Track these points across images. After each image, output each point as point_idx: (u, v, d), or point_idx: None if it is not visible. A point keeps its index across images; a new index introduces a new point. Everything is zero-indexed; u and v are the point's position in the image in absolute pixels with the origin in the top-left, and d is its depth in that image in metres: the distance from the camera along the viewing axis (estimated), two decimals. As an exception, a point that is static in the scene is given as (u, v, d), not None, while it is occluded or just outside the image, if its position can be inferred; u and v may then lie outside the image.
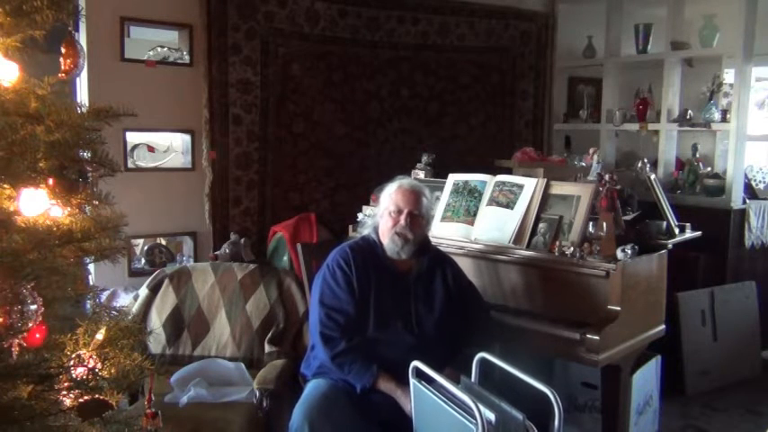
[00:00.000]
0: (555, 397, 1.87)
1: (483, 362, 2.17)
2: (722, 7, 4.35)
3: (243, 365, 2.78)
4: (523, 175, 2.94)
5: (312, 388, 2.28)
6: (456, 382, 2.05)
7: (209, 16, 3.42)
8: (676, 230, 2.98)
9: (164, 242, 3.57)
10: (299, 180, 3.80)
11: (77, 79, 3.10)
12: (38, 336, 1.44)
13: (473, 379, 2.17)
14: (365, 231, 2.53)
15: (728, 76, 4.42)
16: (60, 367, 1.51)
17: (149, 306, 2.97)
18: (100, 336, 1.60)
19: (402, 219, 2.33)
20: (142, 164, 3.48)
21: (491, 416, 1.78)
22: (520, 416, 1.80)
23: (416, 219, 2.36)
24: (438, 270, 2.45)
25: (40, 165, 1.56)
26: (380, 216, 2.41)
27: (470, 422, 1.75)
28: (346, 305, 2.29)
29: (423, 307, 2.36)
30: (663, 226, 2.95)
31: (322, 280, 2.37)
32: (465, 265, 2.74)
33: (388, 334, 2.29)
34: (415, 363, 2.02)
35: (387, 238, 2.36)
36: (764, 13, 4.15)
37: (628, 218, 2.93)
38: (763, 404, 3.62)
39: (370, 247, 2.41)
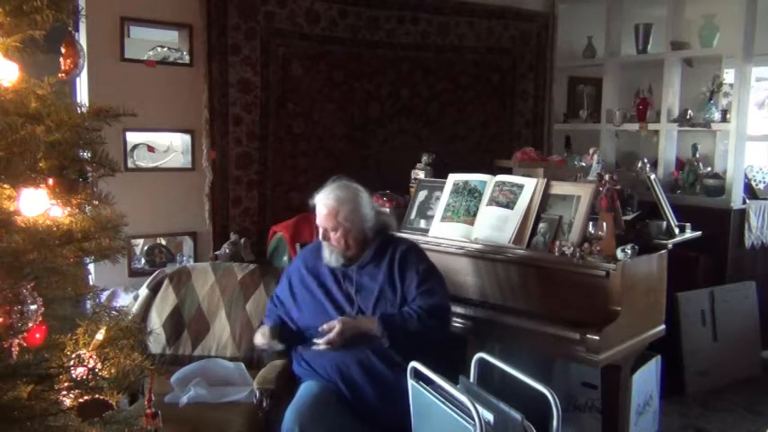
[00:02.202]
0: (554, 397, 1.87)
1: (482, 362, 2.18)
2: (722, 7, 4.35)
3: (243, 365, 2.77)
4: (523, 175, 2.94)
5: (303, 390, 2.31)
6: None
7: (209, 16, 3.42)
8: (676, 230, 2.98)
9: (164, 242, 3.57)
10: (299, 180, 3.80)
11: (77, 79, 3.09)
12: (38, 336, 1.44)
13: (472, 379, 2.17)
14: None
15: (728, 76, 4.42)
16: (60, 367, 1.51)
17: (149, 306, 2.96)
18: (100, 336, 1.60)
19: (331, 236, 2.43)
20: (142, 164, 3.48)
21: (489, 416, 1.78)
22: (518, 416, 1.80)
23: (340, 231, 2.41)
24: (386, 257, 2.45)
25: (40, 165, 1.56)
26: None
27: (469, 423, 1.75)
28: (275, 303, 2.61)
29: (363, 294, 2.40)
30: (663, 226, 2.94)
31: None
32: (465, 265, 2.75)
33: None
34: (414, 363, 2.02)
35: (326, 250, 2.47)
36: (764, 13, 4.15)
37: (628, 218, 2.93)
38: (763, 404, 3.62)
39: (317, 249, 2.53)
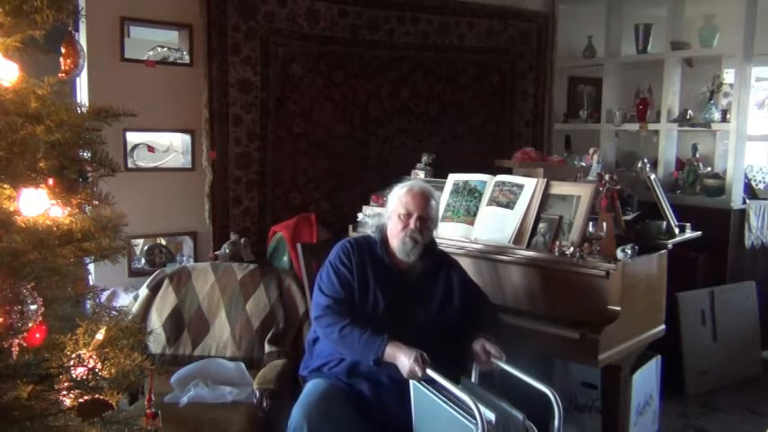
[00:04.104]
0: (555, 397, 1.88)
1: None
2: (722, 7, 4.35)
3: (243, 365, 2.78)
4: (523, 175, 2.94)
5: (310, 388, 2.28)
6: (499, 353, 2.15)
7: (209, 16, 3.42)
8: (676, 230, 2.98)
9: (164, 242, 3.57)
10: (299, 180, 3.80)
11: (77, 79, 3.09)
12: (38, 336, 1.44)
13: (473, 379, 2.17)
14: (369, 230, 2.53)
15: (728, 76, 4.42)
16: (60, 367, 1.51)
17: (149, 306, 2.97)
18: (100, 336, 1.60)
19: (412, 222, 2.34)
20: (142, 164, 3.48)
21: (491, 416, 1.78)
22: (520, 416, 1.81)
23: (425, 222, 2.36)
24: (442, 272, 2.44)
25: (40, 165, 1.56)
26: (388, 217, 2.41)
27: (470, 422, 1.76)
28: (348, 297, 2.31)
29: (419, 307, 2.36)
30: (663, 226, 2.94)
31: (325, 274, 2.38)
32: (465, 265, 2.74)
33: (386, 328, 2.27)
34: None
35: (397, 240, 2.36)
36: (764, 13, 4.15)
37: (628, 218, 2.94)
38: (763, 404, 3.62)
39: (370, 245, 2.42)
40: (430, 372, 1.99)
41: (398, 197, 2.39)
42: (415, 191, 2.38)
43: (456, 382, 1.98)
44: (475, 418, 1.73)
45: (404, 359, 2.06)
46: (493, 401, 1.89)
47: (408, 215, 2.35)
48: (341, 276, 2.34)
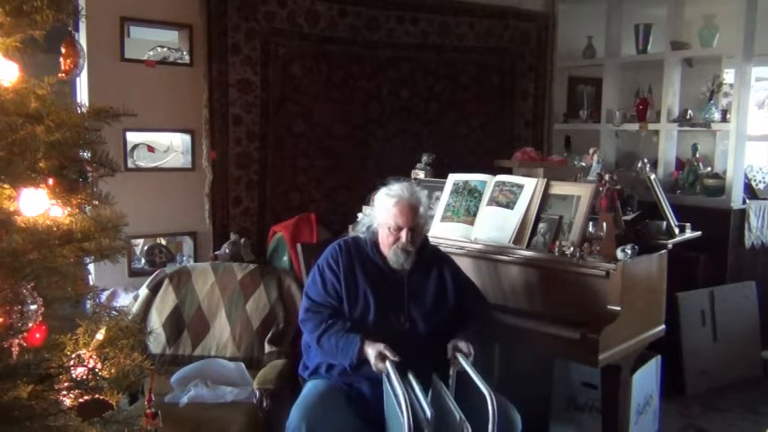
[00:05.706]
0: (492, 399, 1.91)
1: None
2: (722, 7, 4.35)
3: (243, 365, 2.78)
4: (523, 175, 2.94)
5: (309, 388, 2.29)
6: (468, 350, 2.18)
7: (209, 16, 3.42)
8: (676, 230, 2.98)
9: (164, 242, 3.57)
10: (299, 180, 3.80)
11: (77, 79, 3.09)
12: (38, 336, 1.44)
13: (450, 380, 2.20)
14: (360, 232, 2.51)
15: (728, 76, 4.42)
16: (60, 367, 1.51)
17: (149, 306, 2.97)
18: (100, 336, 1.60)
19: (403, 236, 2.33)
20: (142, 164, 3.48)
21: (429, 412, 1.88)
22: (458, 416, 1.89)
23: (416, 230, 2.36)
24: (434, 268, 2.44)
25: (40, 165, 1.56)
26: (378, 225, 2.40)
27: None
28: (332, 301, 2.35)
29: (414, 303, 2.36)
30: (663, 226, 2.94)
31: (311, 278, 2.43)
32: (465, 265, 2.74)
33: (378, 330, 2.29)
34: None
35: (389, 252, 2.36)
36: (764, 13, 4.15)
37: (628, 218, 2.93)
38: (763, 404, 3.62)
39: (360, 247, 2.43)
40: (389, 365, 2.03)
41: (386, 208, 2.36)
42: (403, 204, 2.34)
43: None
44: (402, 412, 1.81)
45: (370, 355, 2.14)
46: (445, 400, 1.95)
47: (399, 229, 2.33)
48: (326, 280, 2.36)
